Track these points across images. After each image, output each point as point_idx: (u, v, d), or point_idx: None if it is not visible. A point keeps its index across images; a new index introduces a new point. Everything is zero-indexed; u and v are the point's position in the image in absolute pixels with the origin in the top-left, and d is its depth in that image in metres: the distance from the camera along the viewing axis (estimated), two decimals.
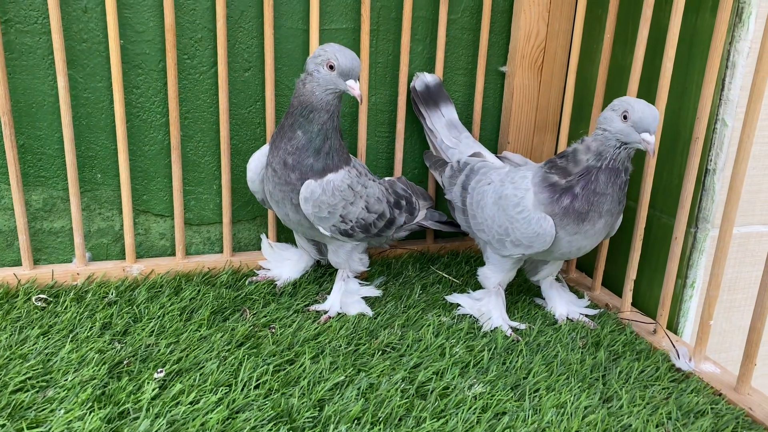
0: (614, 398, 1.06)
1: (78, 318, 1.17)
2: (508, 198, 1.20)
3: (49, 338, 1.10)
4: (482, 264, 1.33)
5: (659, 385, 1.11)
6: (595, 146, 1.13)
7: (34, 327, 1.12)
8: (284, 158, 1.17)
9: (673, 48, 1.17)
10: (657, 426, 1.00)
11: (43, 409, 0.92)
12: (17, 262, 1.32)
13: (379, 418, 0.96)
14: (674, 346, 1.20)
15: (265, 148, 1.27)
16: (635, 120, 1.08)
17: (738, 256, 1.32)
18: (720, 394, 1.10)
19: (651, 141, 1.08)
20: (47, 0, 1.18)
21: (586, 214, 1.14)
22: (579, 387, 1.08)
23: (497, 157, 1.42)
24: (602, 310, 1.35)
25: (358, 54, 1.39)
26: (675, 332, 1.30)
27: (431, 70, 1.48)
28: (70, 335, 1.11)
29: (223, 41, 1.29)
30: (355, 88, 1.13)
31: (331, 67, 1.12)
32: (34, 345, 1.07)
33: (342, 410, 0.96)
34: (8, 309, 1.19)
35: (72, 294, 1.24)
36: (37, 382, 0.98)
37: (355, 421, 0.95)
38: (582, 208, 1.13)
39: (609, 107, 1.13)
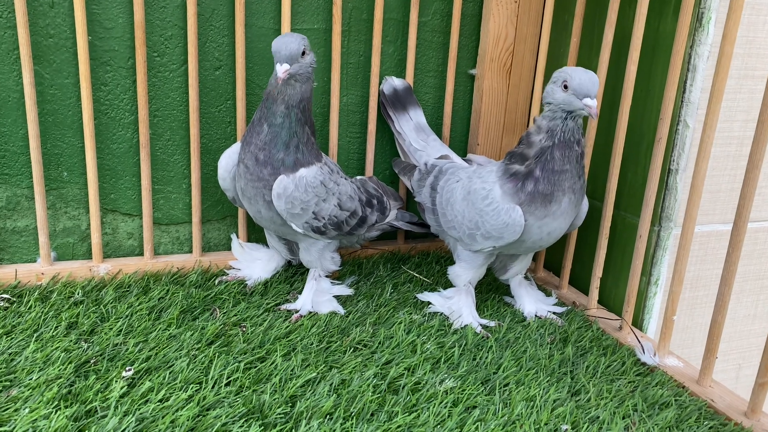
0: (582, 391, 1.08)
1: (42, 318, 1.14)
2: (476, 192, 1.22)
3: (12, 338, 1.07)
4: (452, 263, 1.34)
5: (625, 378, 1.13)
6: (545, 123, 1.15)
7: None
8: (256, 154, 1.17)
9: (637, 51, 1.21)
10: (623, 417, 1.02)
11: (7, 409, 0.90)
12: None
13: (352, 413, 0.96)
14: (639, 342, 1.22)
15: (236, 146, 1.26)
16: (575, 87, 1.09)
17: (700, 254, 1.35)
18: (683, 387, 1.12)
19: (593, 105, 1.09)
20: None
21: (551, 195, 1.15)
22: (548, 381, 1.09)
23: (463, 159, 1.44)
24: (569, 307, 1.37)
25: (329, 54, 1.40)
26: (640, 328, 1.33)
27: (402, 72, 1.49)
28: (35, 335, 1.08)
29: (193, 39, 1.28)
30: (279, 71, 1.11)
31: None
32: None
33: (314, 406, 0.96)
34: None
35: (36, 294, 1.21)
36: (0, 381, 0.96)
37: (328, 416, 0.95)
38: (546, 189, 1.15)
39: (550, 81, 1.14)
